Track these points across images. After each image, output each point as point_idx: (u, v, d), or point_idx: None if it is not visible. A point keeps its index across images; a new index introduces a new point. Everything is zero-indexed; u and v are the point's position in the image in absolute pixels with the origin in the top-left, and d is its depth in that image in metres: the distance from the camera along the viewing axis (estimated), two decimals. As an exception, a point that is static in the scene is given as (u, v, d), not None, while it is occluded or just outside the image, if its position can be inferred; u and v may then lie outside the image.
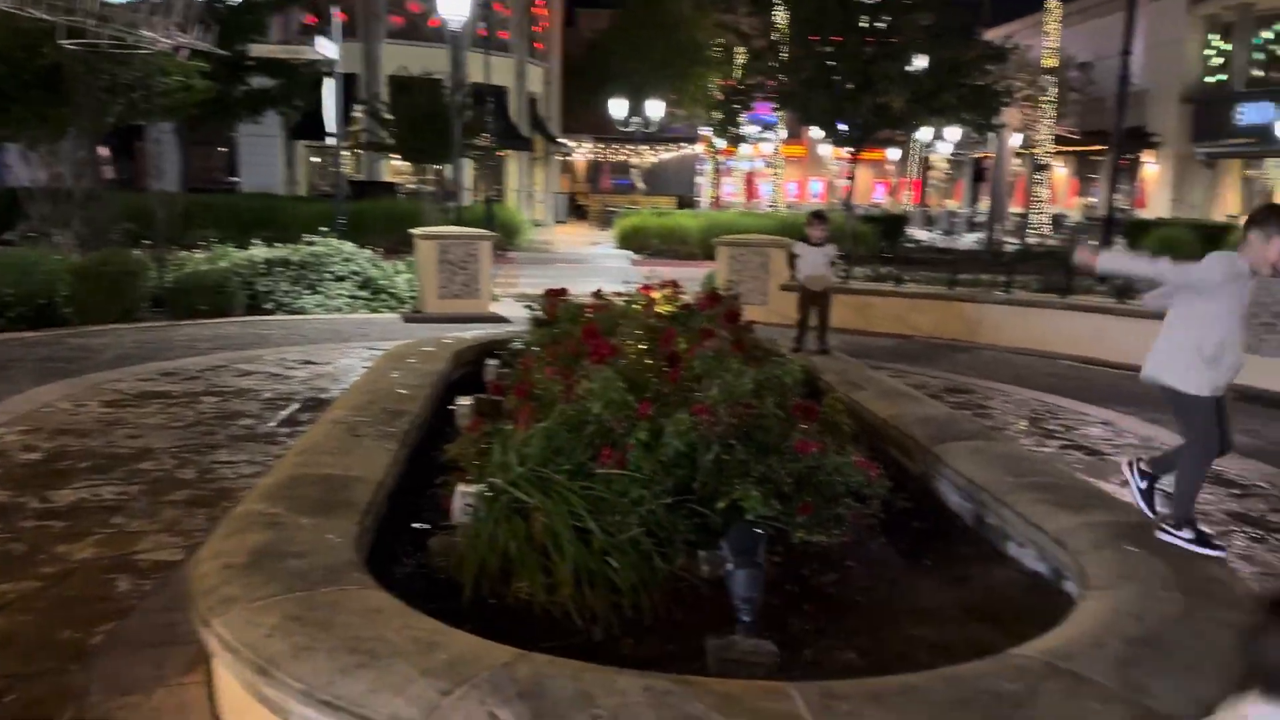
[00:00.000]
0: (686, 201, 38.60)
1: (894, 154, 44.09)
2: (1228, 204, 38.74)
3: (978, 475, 4.46)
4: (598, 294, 6.36)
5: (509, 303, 14.08)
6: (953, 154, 41.36)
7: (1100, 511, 3.88)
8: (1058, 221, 36.36)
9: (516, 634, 3.32)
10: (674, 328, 5.33)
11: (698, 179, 39.62)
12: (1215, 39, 39.18)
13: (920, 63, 22.65)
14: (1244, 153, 37.28)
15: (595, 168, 43.56)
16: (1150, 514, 3.94)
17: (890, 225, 27.79)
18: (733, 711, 2.31)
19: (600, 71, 39.04)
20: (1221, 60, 38.94)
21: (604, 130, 39.03)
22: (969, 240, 28.90)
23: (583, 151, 43.23)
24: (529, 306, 6.62)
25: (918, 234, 30.50)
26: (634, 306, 6.02)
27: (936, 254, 24.94)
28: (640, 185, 33.90)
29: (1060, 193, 42.08)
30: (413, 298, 13.64)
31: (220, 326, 11.76)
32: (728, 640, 3.18)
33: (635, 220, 27.41)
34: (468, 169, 29.40)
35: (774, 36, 24.75)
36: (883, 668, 3.31)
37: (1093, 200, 44.03)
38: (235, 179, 30.32)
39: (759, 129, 36.61)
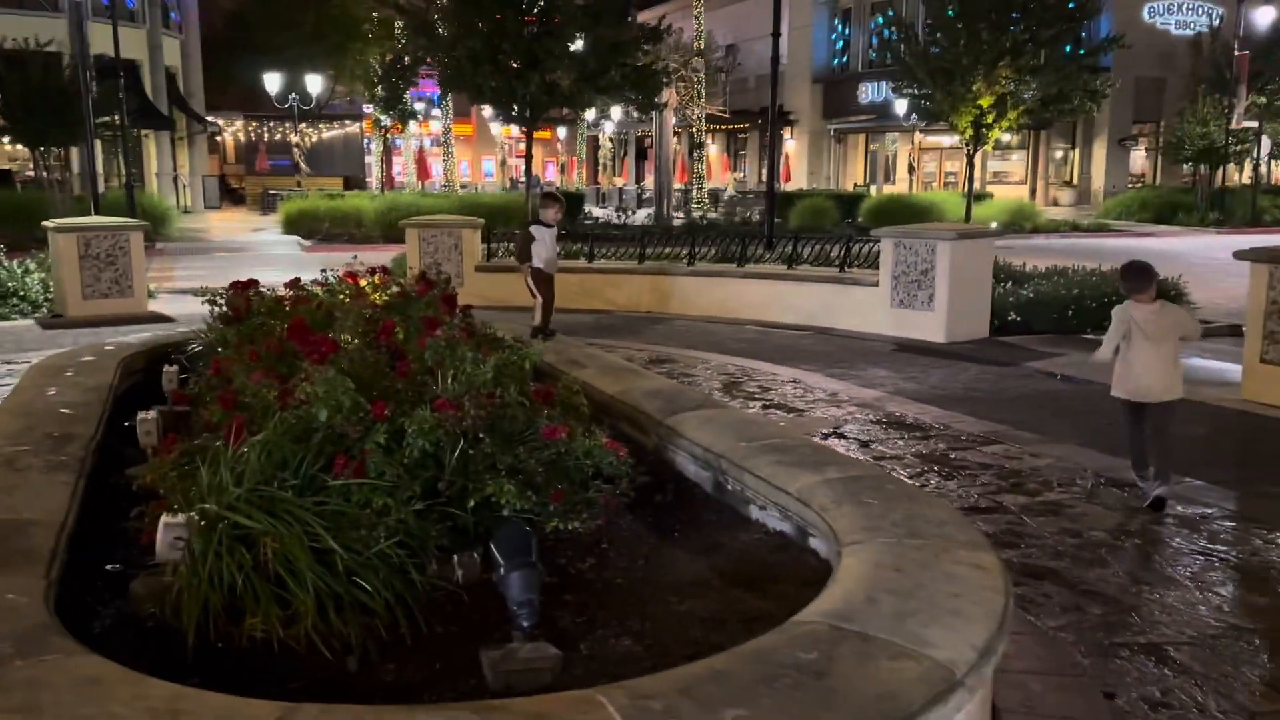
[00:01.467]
0: (355, 182, 37.06)
1: (562, 133, 44.81)
2: (856, 174, 43.10)
3: (714, 444, 4.53)
4: (295, 284, 5.82)
5: (170, 299, 12.77)
6: (617, 133, 42.66)
7: (834, 469, 4.05)
8: (715, 196, 38.60)
9: (257, 679, 2.95)
10: (392, 318, 4.98)
11: (366, 158, 38.09)
12: (839, 24, 43.29)
13: (582, 42, 23.00)
14: (867, 128, 41.59)
15: (250, 148, 40.60)
16: None
17: (570, 203, 28.16)
18: (548, 733, 2.12)
19: (246, 45, 36.37)
20: (844, 44, 43.10)
21: (256, 107, 36.47)
22: (641, 216, 29.94)
23: (234, 130, 40.15)
24: (211, 301, 5.93)
25: (595, 211, 31.18)
26: (340, 297, 5.57)
27: (615, 230, 25.64)
28: (305, 166, 32.02)
29: (714, 169, 44.68)
30: (50, 300, 11.98)
31: None
32: (505, 649, 2.97)
33: (304, 203, 25.89)
34: (98, 152, 26.28)
35: (434, 14, 24.15)
36: (662, 650, 3.26)
37: (740, 175, 47.32)
38: None
39: (425, 106, 35.78)
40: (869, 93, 40.49)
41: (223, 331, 5.63)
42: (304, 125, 33.91)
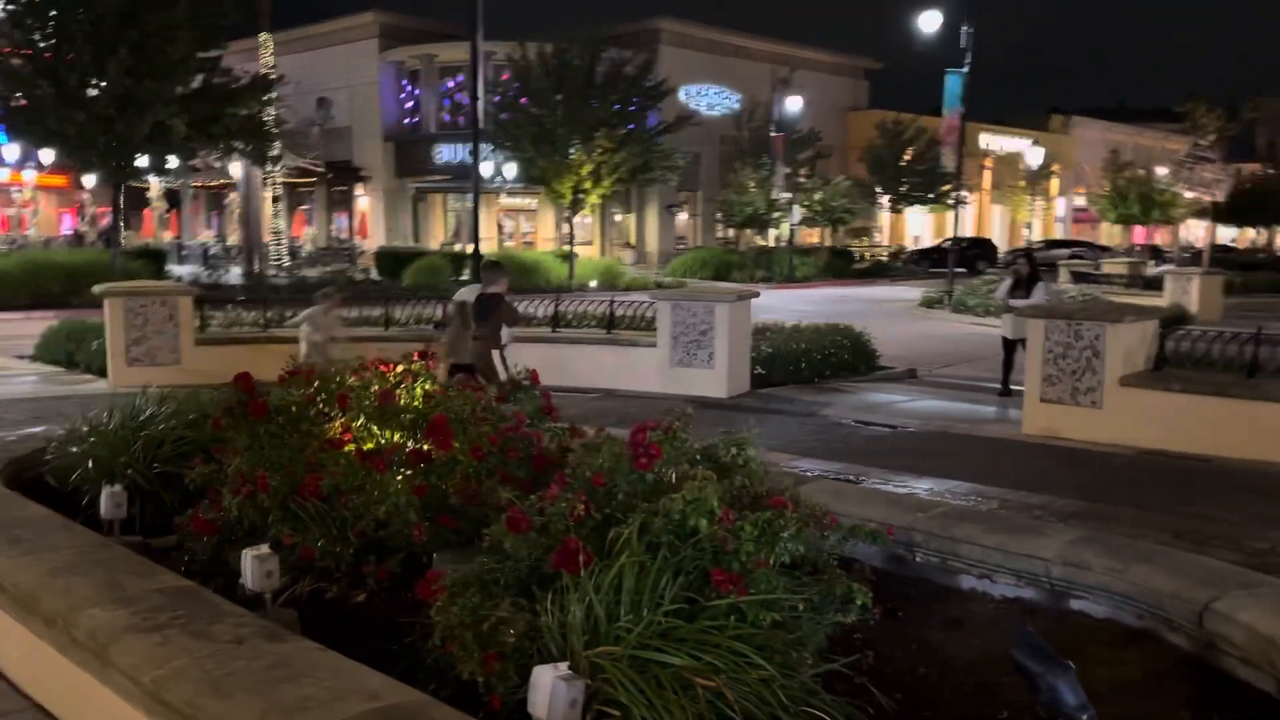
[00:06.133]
0: None
1: (90, 181, 39.50)
2: (437, 232, 43.21)
3: (888, 518, 4.51)
4: (298, 373, 4.76)
5: None
6: (163, 183, 38.67)
7: (1055, 531, 4.27)
8: (293, 252, 36.53)
9: None
10: (521, 410, 4.33)
11: None
12: (407, 84, 43.30)
13: (187, 85, 20.86)
14: (446, 187, 41.97)
15: None
16: None
17: (155, 261, 25.02)
18: None
19: None
20: (414, 104, 43.18)
21: None
22: (236, 274, 27.39)
23: None
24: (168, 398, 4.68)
25: (175, 269, 27.93)
26: (373, 387, 4.66)
27: (212, 290, 23.24)
28: None
29: (286, 224, 42.26)
30: None
31: None
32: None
33: None
34: None
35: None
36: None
37: (308, 230, 45.24)
38: None
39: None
40: (445, 154, 40.95)
41: (231, 436, 4.47)
42: None
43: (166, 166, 25.02)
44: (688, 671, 2.86)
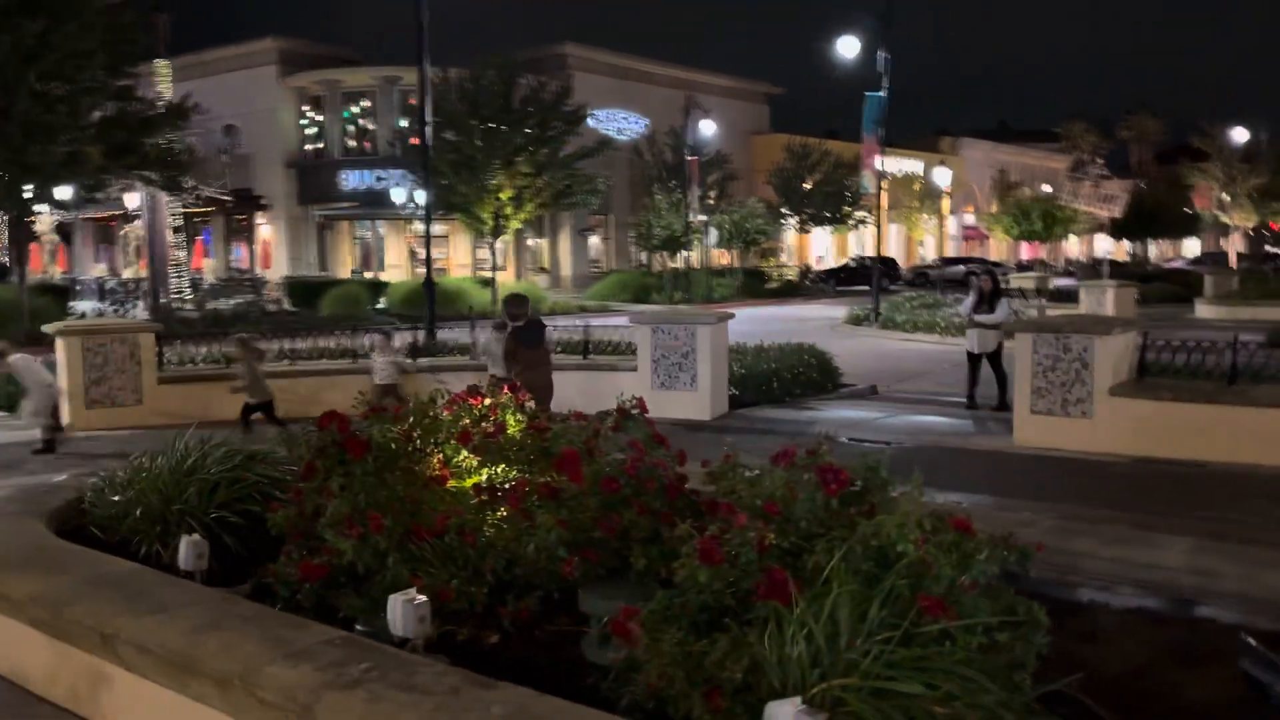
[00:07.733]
0: None
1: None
2: (345, 260, 42.16)
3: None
4: (378, 409, 4.53)
5: None
6: (60, 216, 36.85)
7: (1173, 541, 4.35)
8: (195, 284, 35.19)
9: None
10: (635, 438, 4.22)
11: None
12: (309, 110, 42.29)
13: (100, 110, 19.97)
14: (353, 214, 41.05)
15: None
16: None
17: (59, 297, 23.79)
18: None
19: None
20: (318, 130, 42.21)
21: None
22: (142, 309, 26.17)
23: None
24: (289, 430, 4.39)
25: (80, 306, 26.58)
26: (464, 420, 4.47)
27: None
28: None
29: (186, 256, 40.70)
30: None
31: None
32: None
33: None
34: None
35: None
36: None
37: (208, 260, 43.65)
38: None
39: None
40: (351, 180, 40.13)
41: (320, 480, 4.21)
42: None
43: (61, 198, 23.82)
44: (926, 700, 2.80)
